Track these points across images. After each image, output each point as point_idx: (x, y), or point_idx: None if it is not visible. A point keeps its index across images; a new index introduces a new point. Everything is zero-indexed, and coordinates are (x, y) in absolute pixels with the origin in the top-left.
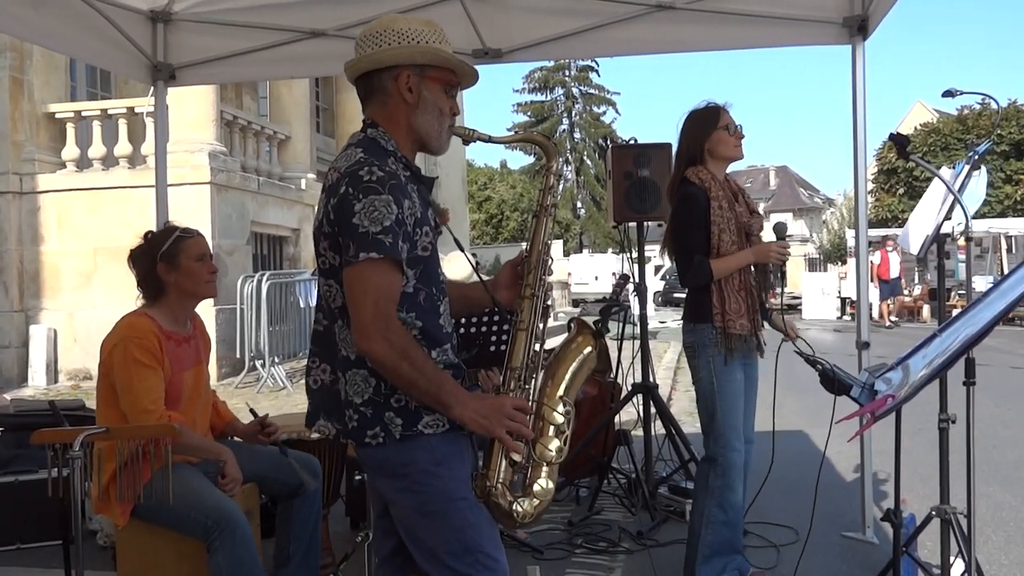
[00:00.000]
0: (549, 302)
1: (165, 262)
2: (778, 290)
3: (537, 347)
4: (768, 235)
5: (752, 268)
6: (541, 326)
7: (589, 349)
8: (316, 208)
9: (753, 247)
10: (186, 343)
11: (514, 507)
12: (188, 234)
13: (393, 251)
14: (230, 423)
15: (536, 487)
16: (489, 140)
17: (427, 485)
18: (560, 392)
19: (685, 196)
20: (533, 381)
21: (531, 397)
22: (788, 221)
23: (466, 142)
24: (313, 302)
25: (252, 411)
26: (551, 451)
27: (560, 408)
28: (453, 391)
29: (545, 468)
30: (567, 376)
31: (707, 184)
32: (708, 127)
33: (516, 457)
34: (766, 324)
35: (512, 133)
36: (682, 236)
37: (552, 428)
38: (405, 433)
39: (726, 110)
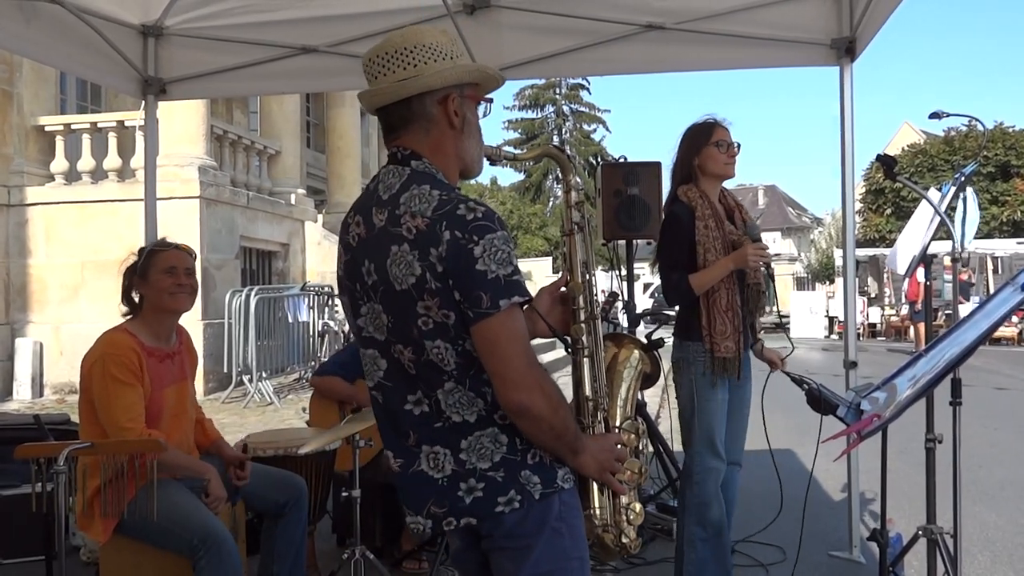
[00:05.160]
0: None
1: (139, 275)
2: (768, 308)
3: (603, 371)
4: None
5: (738, 285)
6: (603, 349)
7: (636, 355)
8: (389, 267)
9: (731, 254)
10: (169, 359)
11: (623, 539)
12: (163, 247)
13: (527, 291)
14: (215, 442)
15: (630, 513)
16: (514, 159)
17: (548, 544)
18: (625, 409)
19: (670, 215)
20: (602, 409)
21: (611, 426)
22: (777, 240)
23: (493, 163)
24: (301, 317)
25: (245, 446)
26: (636, 473)
27: (631, 428)
28: (581, 436)
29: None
30: (623, 393)
31: (694, 203)
32: (699, 142)
33: (624, 498)
34: (753, 355)
35: (529, 148)
36: (664, 255)
37: (630, 450)
38: (545, 491)
39: (722, 126)
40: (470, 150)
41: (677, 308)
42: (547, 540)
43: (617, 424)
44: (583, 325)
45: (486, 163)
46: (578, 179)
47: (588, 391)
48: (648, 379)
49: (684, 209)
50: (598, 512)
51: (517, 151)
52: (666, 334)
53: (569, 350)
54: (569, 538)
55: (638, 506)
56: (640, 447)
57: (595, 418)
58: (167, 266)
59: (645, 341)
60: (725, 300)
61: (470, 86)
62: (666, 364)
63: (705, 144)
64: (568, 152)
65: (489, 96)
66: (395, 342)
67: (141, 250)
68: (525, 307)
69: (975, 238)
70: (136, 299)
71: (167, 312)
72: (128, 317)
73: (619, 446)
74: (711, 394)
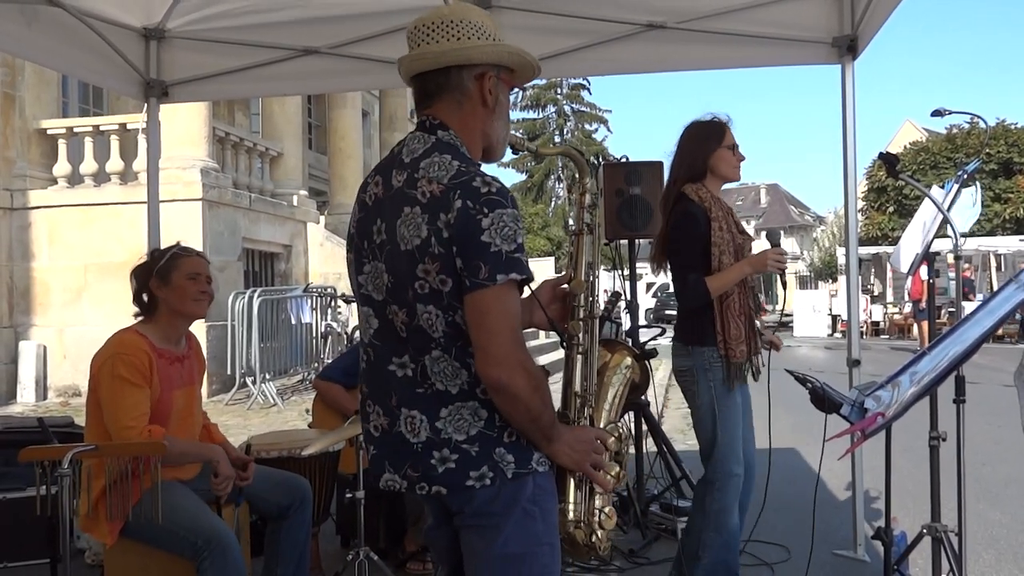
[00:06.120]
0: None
1: (158, 277)
2: (771, 307)
3: (595, 371)
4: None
5: (749, 289)
6: (598, 349)
7: (627, 362)
8: (398, 227)
9: (748, 258)
10: (179, 362)
11: (593, 539)
12: (186, 252)
13: (527, 270)
14: (220, 446)
15: (602, 515)
16: (536, 152)
17: (518, 525)
18: (609, 415)
19: (685, 213)
20: (589, 406)
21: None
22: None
23: (515, 151)
24: (304, 319)
25: (248, 447)
26: (613, 477)
27: (614, 431)
28: (558, 424)
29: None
30: (610, 397)
31: (707, 204)
32: (713, 143)
33: (598, 500)
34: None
35: (551, 144)
36: (680, 255)
37: (609, 454)
38: (519, 471)
39: (730, 128)
40: (497, 131)
41: (679, 315)
42: (517, 521)
43: (600, 427)
44: (580, 323)
45: (508, 152)
46: (593, 182)
47: (578, 387)
48: (636, 388)
49: (699, 209)
50: (571, 508)
51: (537, 145)
52: (665, 339)
53: (564, 344)
54: (542, 522)
55: (610, 509)
56: (622, 452)
57: (581, 414)
58: (192, 272)
59: (638, 351)
60: (738, 304)
61: (506, 70)
62: (662, 371)
63: (719, 145)
64: (587, 155)
65: (525, 85)
66: (391, 303)
67: (153, 252)
68: (526, 295)
69: (976, 235)
70: (146, 300)
71: (186, 317)
72: (139, 319)
73: (598, 442)
74: (731, 400)
